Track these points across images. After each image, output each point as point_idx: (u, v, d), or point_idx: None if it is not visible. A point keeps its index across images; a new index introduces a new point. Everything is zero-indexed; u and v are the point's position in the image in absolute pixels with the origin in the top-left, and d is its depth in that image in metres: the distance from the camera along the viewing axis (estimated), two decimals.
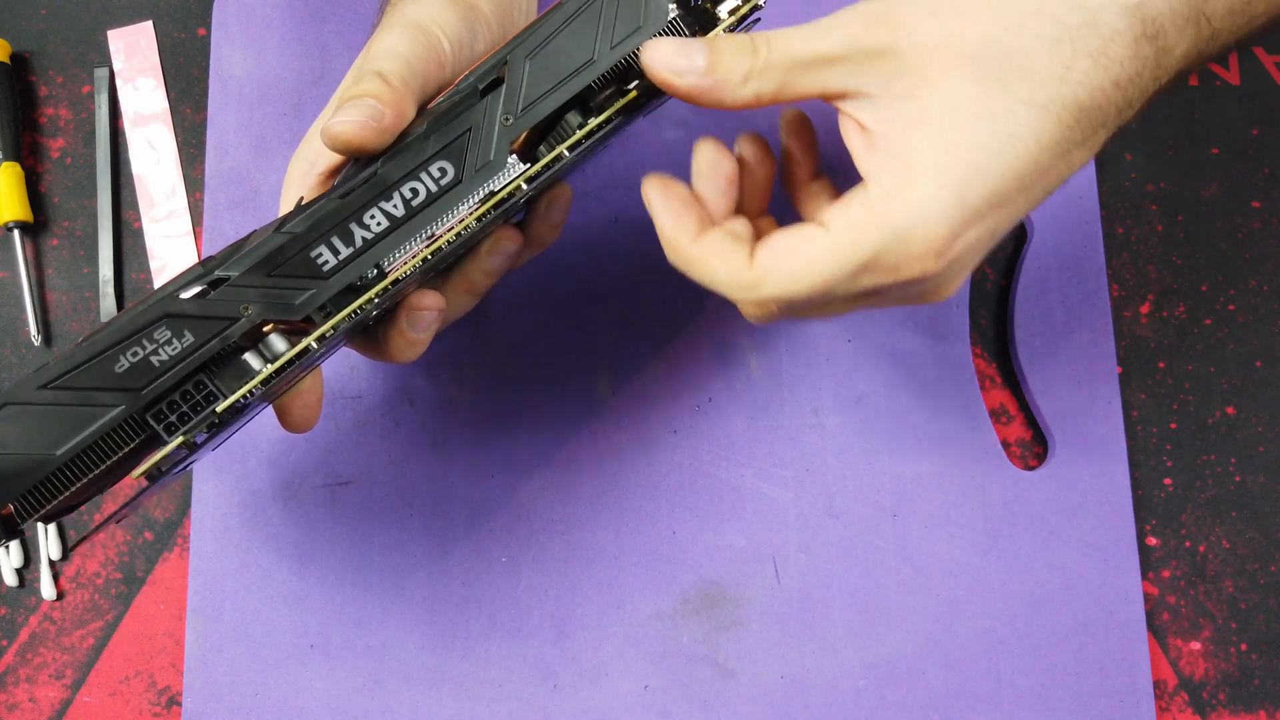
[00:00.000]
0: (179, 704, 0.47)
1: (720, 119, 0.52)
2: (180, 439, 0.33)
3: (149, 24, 0.54)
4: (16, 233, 0.51)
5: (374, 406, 0.49)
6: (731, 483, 0.49)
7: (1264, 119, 0.55)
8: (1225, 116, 0.55)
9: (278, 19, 0.52)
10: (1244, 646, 0.50)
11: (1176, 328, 0.53)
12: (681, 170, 0.37)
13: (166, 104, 0.53)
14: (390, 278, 0.34)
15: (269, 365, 0.33)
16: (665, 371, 0.50)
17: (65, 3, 0.54)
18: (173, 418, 0.33)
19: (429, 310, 0.37)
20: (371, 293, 0.34)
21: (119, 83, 0.53)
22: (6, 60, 0.53)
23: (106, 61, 0.54)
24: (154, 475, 0.33)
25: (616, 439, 0.49)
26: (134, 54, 0.54)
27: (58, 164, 0.53)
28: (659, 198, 0.35)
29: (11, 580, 0.49)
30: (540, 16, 0.36)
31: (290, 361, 0.33)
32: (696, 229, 0.35)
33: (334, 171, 0.38)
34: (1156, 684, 0.49)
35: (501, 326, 0.50)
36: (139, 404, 0.32)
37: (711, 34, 0.36)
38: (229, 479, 0.48)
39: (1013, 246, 0.53)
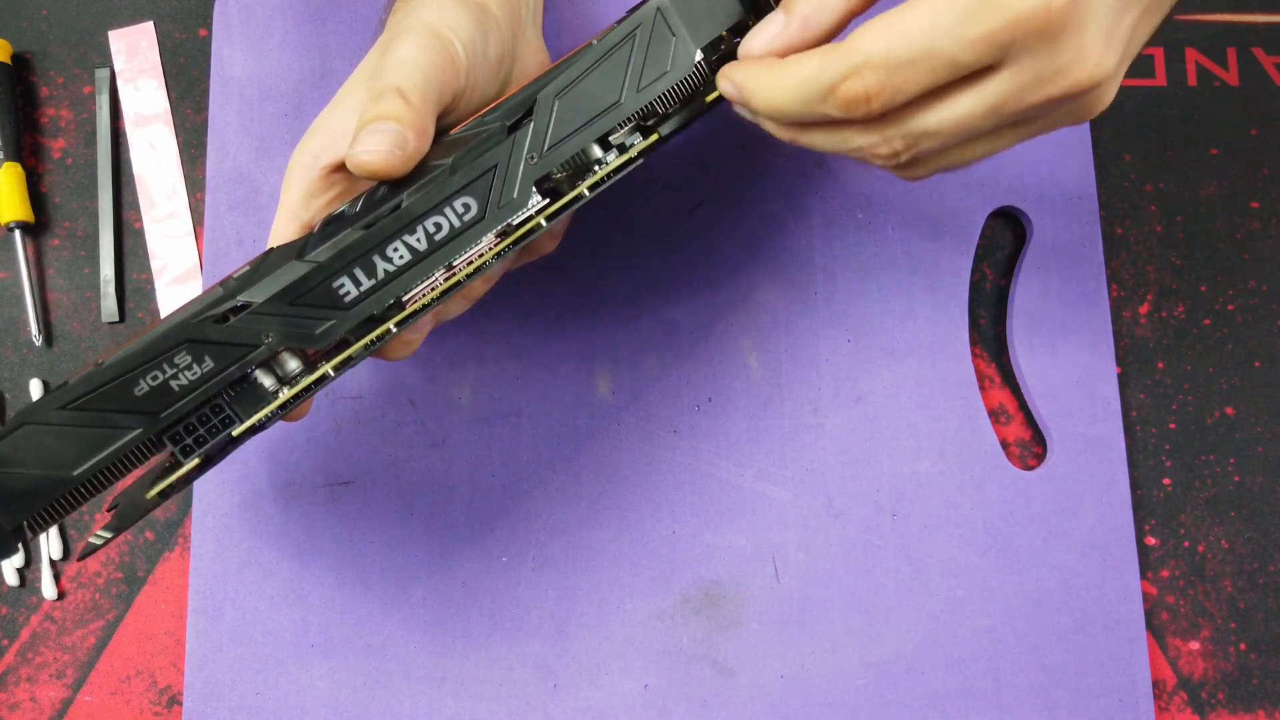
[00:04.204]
0: (179, 703, 0.47)
1: (724, 125, 0.52)
2: (196, 461, 0.33)
3: (150, 24, 0.54)
4: (17, 233, 0.51)
5: (374, 406, 0.49)
6: (731, 483, 0.49)
7: (1263, 119, 0.55)
8: (1224, 117, 0.55)
9: (278, 19, 0.52)
10: (1243, 646, 0.50)
11: (1175, 328, 0.53)
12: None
13: (167, 104, 0.53)
14: (409, 310, 0.35)
15: (286, 390, 0.34)
16: (665, 371, 0.50)
17: (66, 3, 0.54)
18: (189, 440, 0.33)
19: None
20: (390, 323, 0.34)
21: (120, 83, 0.53)
22: (7, 60, 0.53)
23: (107, 62, 0.54)
24: (168, 494, 0.34)
25: (616, 439, 0.49)
26: (135, 54, 0.54)
27: (59, 164, 0.53)
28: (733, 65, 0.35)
29: (13, 580, 0.49)
30: (568, 56, 0.36)
31: (307, 388, 0.34)
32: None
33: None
34: (1155, 683, 0.49)
35: (501, 326, 0.50)
36: (156, 427, 0.33)
37: None
38: (229, 478, 0.48)
39: (1012, 246, 0.53)
